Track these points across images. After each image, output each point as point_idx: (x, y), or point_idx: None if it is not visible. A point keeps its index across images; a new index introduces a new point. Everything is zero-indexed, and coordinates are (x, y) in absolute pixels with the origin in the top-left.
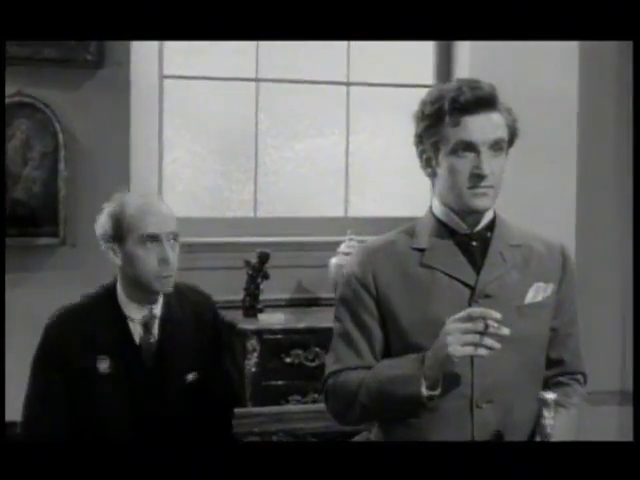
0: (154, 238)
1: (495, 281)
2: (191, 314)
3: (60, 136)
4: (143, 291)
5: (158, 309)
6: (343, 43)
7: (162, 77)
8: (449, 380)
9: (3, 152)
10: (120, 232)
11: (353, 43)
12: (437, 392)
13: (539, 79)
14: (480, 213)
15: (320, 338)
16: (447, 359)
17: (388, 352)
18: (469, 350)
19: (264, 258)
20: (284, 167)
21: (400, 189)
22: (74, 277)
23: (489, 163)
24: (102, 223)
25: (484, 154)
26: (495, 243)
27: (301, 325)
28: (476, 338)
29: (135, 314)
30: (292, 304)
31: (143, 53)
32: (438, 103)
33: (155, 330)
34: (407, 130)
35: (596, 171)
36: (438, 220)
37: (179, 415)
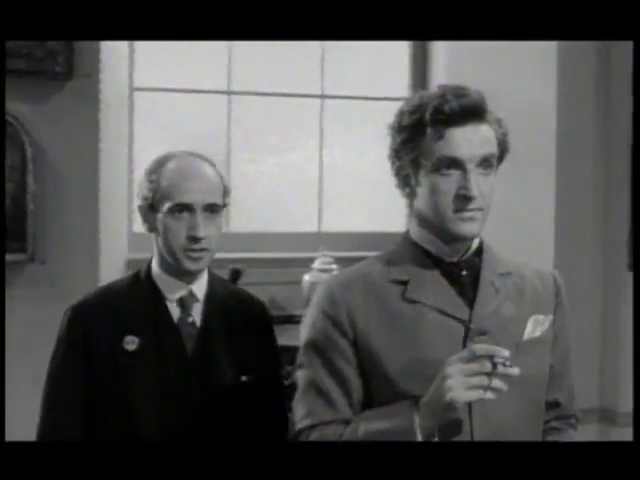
0: (186, 207)
1: (490, 315)
2: (240, 306)
3: (28, 149)
4: (174, 267)
5: (200, 291)
6: (317, 55)
7: (132, 89)
8: (446, 429)
9: (3, 152)
10: (155, 197)
11: (327, 55)
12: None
13: (517, 94)
14: (467, 240)
15: (293, 356)
16: (448, 406)
17: (369, 403)
18: (475, 394)
19: (237, 274)
20: (257, 181)
21: (375, 204)
22: (43, 295)
23: (477, 182)
24: (139, 184)
25: (472, 172)
26: (485, 272)
27: None
28: (484, 380)
29: (170, 292)
30: None
31: (113, 64)
32: (418, 113)
33: (195, 312)
34: (382, 144)
35: (575, 186)
36: (418, 247)
37: (227, 415)
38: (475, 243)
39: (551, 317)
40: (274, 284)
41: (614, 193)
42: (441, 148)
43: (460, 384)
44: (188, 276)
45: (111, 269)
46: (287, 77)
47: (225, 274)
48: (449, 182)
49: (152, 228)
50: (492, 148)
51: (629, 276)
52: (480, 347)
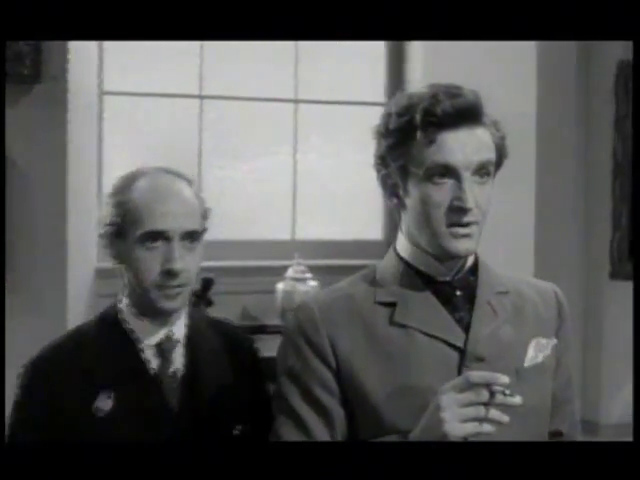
0: (161, 235)
1: (488, 339)
2: (227, 346)
3: None
4: (147, 306)
5: (180, 332)
6: (291, 59)
7: (102, 93)
8: None
9: (3, 152)
10: (123, 223)
11: (301, 58)
12: None
13: (496, 103)
14: (461, 258)
15: (266, 368)
16: (444, 438)
17: (354, 436)
18: (471, 428)
19: (208, 284)
20: (229, 188)
21: (350, 211)
22: (9, 305)
23: (473, 192)
24: (103, 206)
25: (467, 181)
26: (481, 291)
27: None
28: (480, 411)
29: (147, 336)
30: None
31: (82, 67)
32: (407, 115)
33: (176, 359)
34: (358, 149)
35: (555, 193)
36: (407, 264)
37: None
38: (470, 260)
39: (554, 340)
40: (246, 293)
41: (595, 200)
42: (433, 154)
43: (455, 416)
44: (165, 316)
45: (79, 278)
46: (260, 81)
47: (197, 284)
48: (441, 192)
49: (120, 259)
50: (489, 154)
51: (611, 285)
52: (476, 374)
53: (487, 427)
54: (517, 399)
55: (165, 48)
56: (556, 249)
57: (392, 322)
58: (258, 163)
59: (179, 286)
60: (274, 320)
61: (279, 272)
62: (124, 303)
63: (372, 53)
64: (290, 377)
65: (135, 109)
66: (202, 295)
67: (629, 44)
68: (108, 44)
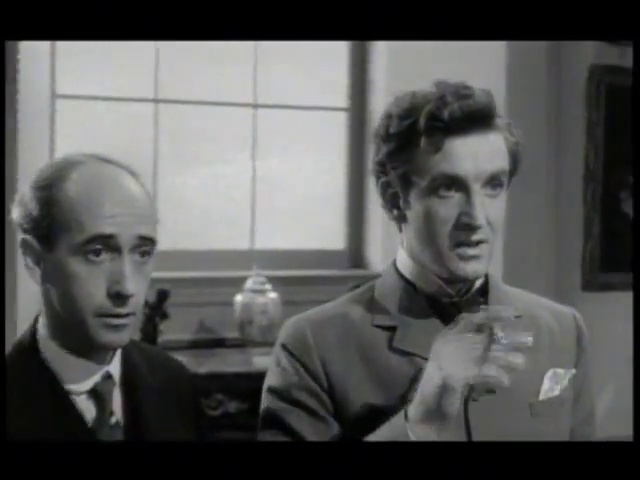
0: (107, 245)
1: (499, 369)
2: (167, 382)
3: None
4: (84, 341)
5: (116, 371)
6: (249, 61)
7: (54, 96)
8: None
9: (3, 153)
10: (47, 229)
11: (260, 62)
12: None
13: None
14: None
15: (224, 384)
16: (444, 395)
17: None
18: (474, 374)
19: (163, 296)
20: (185, 195)
21: (312, 219)
22: None
23: (484, 207)
24: (19, 201)
25: (477, 194)
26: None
27: (203, 370)
28: (486, 356)
29: (77, 379)
30: (194, 346)
31: (33, 69)
32: (410, 118)
33: (115, 404)
34: (319, 155)
35: (526, 201)
36: (408, 283)
37: None
38: (479, 279)
39: (573, 371)
40: (203, 305)
41: (566, 209)
42: (438, 163)
43: (455, 363)
44: (102, 353)
45: (29, 287)
46: (218, 84)
47: (151, 296)
48: (448, 207)
49: (44, 276)
50: (503, 162)
51: (583, 297)
52: (476, 315)
53: (492, 371)
54: (525, 338)
55: (119, 50)
56: (525, 260)
57: (391, 347)
58: (215, 170)
59: (127, 315)
60: (233, 333)
61: (237, 283)
62: (45, 336)
63: (334, 55)
64: (282, 399)
65: (88, 113)
66: (157, 308)
67: (601, 47)
68: (61, 45)
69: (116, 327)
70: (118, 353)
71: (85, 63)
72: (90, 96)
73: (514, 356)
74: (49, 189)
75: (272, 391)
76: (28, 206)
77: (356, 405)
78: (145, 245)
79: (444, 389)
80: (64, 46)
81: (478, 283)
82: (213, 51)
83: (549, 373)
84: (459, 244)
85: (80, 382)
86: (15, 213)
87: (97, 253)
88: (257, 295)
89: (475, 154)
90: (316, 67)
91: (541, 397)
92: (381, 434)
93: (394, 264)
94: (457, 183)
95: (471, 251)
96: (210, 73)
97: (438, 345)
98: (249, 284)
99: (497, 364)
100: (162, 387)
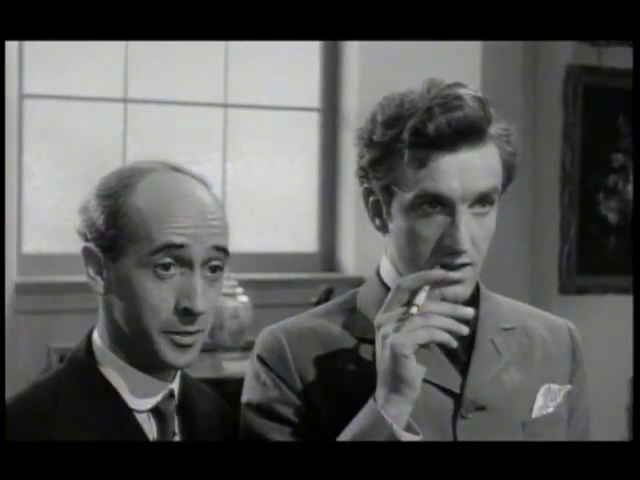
0: (178, 257)
1: (489, 384)
2: (216, 408)
3: None
4: (149, 359)
5: (176, 389)
6: (220, 61)
7: (22, 96)
8: None
9: (3, 153)
10: (113, 239)
11: (231, 61)
12: (419, 437)
13: None
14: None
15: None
16: (397, 363)
17: None
18: (419, 334)
19: None
20: None
21: (283, 221)
22: None
23: (470, 229)
24: (83, 208)
25: (463, 215)
26: (483, 326)
27: None
28: (428, 318)
29: (141, 397)
30: None
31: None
32: (395, 128)
33: (175, 424)
34: (290, 157)
35: (500, 203)
36: None
37: None
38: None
39: (568, 387)
40: None
41: (542, 212)
42: (423, 180)
43: (397, 328)
44: (167, 370)
45: None
46: (188, 84)
47: None
48: (431, 226)
49: (107, 286)
50: (494, 179)
51: (560, 300)
52: (407, 278)
53: (439, 335)
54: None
55: (88, 49)
56: (501, 263)
57: (375, 360)
58: None
59: (197, 332)
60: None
61: None
62: (101, 344)
63: (306, 55)
64: (264, 415)
65: (57, 113)
66: None
67: (577, 47)
68: (29, 44)
69: (183, 346)
70: (179, 371)
71: (53, 62)
72: (58, 96)
73: (461, 310)
74: (116, 198)
75: (252, 407)
76: (92, 215)
77: (337, 419)
78: (217, 258)
79: (394, 357)
80: (32, 45)
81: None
82: (183, 50)
83: (542, 389)
84: (442, 267)
85: (143, 399)
86: (78, 221)
87: (167, 267)
88: (227, 299)
89: (463, 172)
90: (288, 67)
91: (534, 414)
92: (356, 422)
93: (378, 273)
94: (442, 202)
95: (453, 275)
96: (180, 72)
97: (379, 320)
98: None
99: (441, 323)
100: (213, 414)
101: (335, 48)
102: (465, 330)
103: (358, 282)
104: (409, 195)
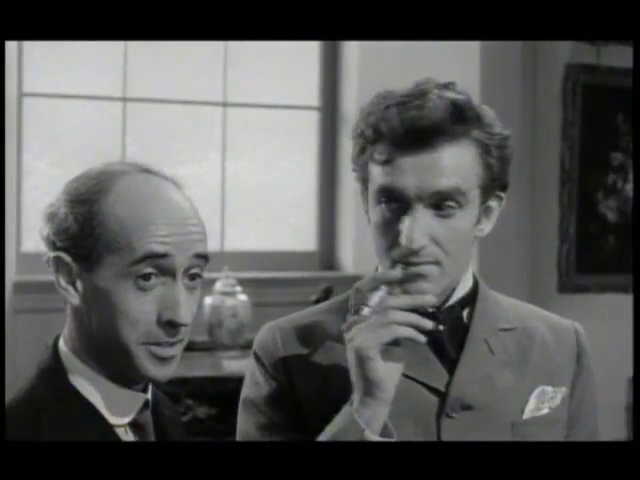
0: (160, 266)
1: (478, 384)
2: (174, 415)
3: None
4: (127, 373)
5: (149, 398)
6: (219, 60)
7: (22, 95)
8: None
9: (3, 152)
10: (89, 248)
11: (231, 60)
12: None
13: None
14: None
15: (192, 388)
16: (363, 366)
17: None
18: (380, 335)
19: None
20: None
21: (282, 220)
22: None
23: (429, 226)
24: (52, 225)
25: (417, 214)
26: (477, 326)
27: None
28: (388, 316)
29: (119, 411)
30: None
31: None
32: (367, 125)
33: (152, 433)
34: (289, 155)
35: None
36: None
37: None
38: (461, 290)
39: (564, 389)
40: None
41: (542, 210)
42: (382, 175)
43: (359, 331)
44: (142, 382)
45: None
46: (187, 83)
47: None
48: (388, 223)
49: (84, 298)
50: (459, 180)
51: (559, 299)
52: (363, 280)
53: (403, 330)
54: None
55: (87, 48)
56: (500, 262)
57: None
58: (184, 170)
59: (178, 343)
60: (202, 336)
61: (207, 285)
62: (70, 356)
63: (305, 54)
64: (258, 412)
65: (56, 112)
66: None
67: (577, 46)
68: (28, 43)
69: (164, 359)
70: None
71: (53, 61)
72: (57, 94)
73: (421, 299)
74: (90, 204)
75: (248, 403)
76: (63, 222)
77: (325, 418)
78: (198, 266)
79: (359, 360)
80: (31, 44)
81: (460, 294)
82: (182, 49)
83: (536, 391)
84: (399, 262)
85: (120, 413)
86: (45, 229)
87: (147, 278)
88: (227, 297)
89: (421, 170)
90: (287, 65)
91: (525, 416)
92: (333, 424)
93: (376, 270)
94: (397, 199)
95: (414, 269)
96: (179, 71)
97: (343, 325)
98: (218, 286)
99: (400, 318)
100: (175, 419)
101: (334, 47)
102: (429, 324)
103: (357, 281)
104: (372, 190)
